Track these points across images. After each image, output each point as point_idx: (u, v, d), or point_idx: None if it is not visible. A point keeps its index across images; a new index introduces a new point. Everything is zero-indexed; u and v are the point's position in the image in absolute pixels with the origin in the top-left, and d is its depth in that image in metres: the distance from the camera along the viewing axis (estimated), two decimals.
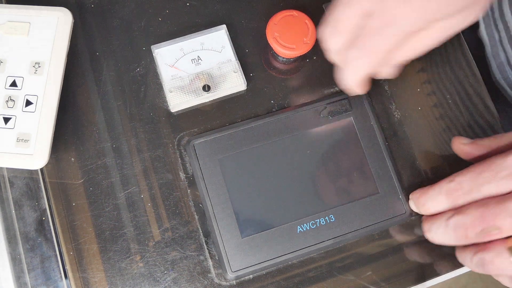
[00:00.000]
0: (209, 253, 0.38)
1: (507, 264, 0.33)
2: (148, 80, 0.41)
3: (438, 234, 0.36)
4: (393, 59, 0.35)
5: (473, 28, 0.54)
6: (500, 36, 0.51)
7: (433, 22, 0.32)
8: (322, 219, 0.39)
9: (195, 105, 0.41)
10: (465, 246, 0.36)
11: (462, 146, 0.38)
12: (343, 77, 0.37)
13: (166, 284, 0.38)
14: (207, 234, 0.39)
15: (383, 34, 0.32)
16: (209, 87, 0.40)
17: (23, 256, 0.38)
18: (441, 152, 0.41)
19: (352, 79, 0.36)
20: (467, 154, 0.38)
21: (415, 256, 0.40)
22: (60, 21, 0.39)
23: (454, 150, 0.39)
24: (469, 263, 0.36)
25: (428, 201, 0.37)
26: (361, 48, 0.33)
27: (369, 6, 0.32)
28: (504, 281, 0.36)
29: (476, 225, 0.33)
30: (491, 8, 0.51)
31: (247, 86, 0.42)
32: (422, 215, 0.39)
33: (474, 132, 0.42)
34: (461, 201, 0.35)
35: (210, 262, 0.38)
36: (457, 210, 0.35)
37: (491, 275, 0.36)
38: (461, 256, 0.37)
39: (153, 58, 0.41)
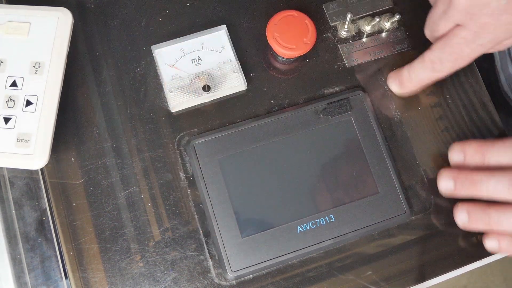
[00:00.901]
0: (209, 253, 0.38)
1: None
2: (148, 80, 0.41)
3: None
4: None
5: None
6: (509, 49, 0.52)
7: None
8: (322, 219, 0.39)
9: (195, 105, 0.41)
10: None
11: None
12: (414, 71, 0.40)
13: (166, 284, 0.38)
14: (207, 234, 0.39)
15: (470, 46, 0.37)
16: (209, 87, 0.40)
17: (23, 256, 0.38)
18: (441, 152, 0.41)
19: (421, 76, 0.40)
20: None
21: (415, 256, 0.40)
22: (60, 21, 0.39)
23: None
24: None
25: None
26: (448, 54, 0.38)
27: (460, 19, 0.37)
28: None
29: None
30: None
31: (247, 86, 0.42)
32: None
33: (474, 132, 0.42)
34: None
35: (210, 262, 0.38)
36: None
37: None
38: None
39: (153, 58, 0.41)
